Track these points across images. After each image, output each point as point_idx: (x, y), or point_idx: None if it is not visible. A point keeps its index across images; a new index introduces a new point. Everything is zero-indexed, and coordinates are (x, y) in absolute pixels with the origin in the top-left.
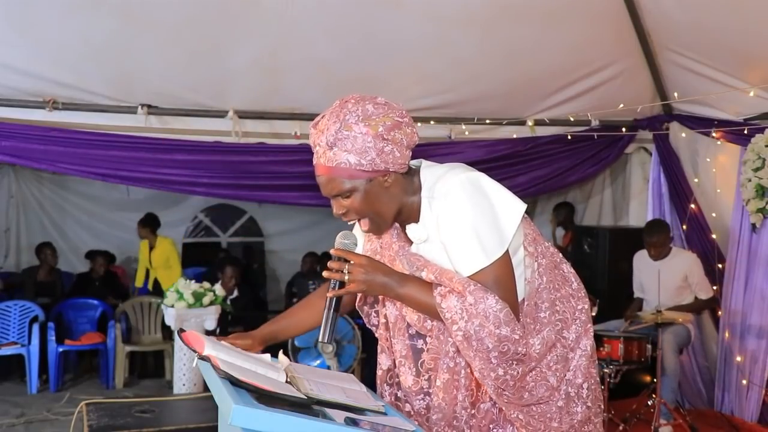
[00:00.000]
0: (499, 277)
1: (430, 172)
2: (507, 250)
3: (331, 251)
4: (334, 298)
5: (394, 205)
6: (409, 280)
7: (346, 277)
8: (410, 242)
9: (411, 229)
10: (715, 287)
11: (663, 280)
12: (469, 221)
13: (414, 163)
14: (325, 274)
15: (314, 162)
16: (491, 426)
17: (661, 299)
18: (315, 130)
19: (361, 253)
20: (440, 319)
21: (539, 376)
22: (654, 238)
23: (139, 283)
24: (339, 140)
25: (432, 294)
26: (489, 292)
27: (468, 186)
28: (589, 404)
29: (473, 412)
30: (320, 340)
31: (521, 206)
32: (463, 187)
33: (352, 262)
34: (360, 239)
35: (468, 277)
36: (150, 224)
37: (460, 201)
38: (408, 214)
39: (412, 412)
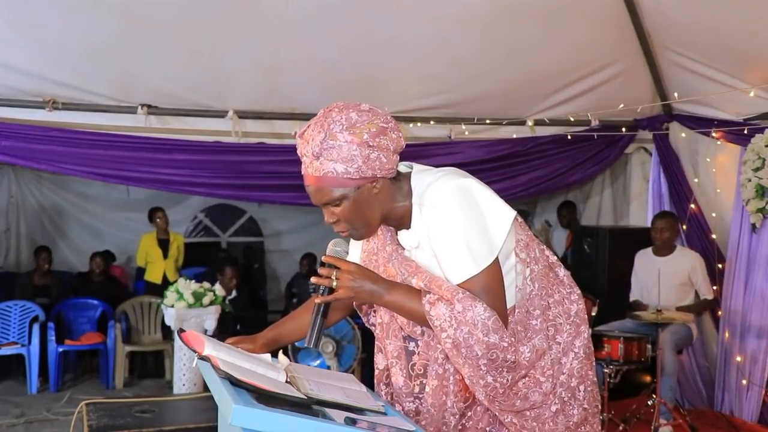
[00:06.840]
0: (488, 285)
1: (420, 177)
2: (497, 258)
3: (322, 258)
4: (323, 304)
5: (382, 211)
6: (398, 287)
7: (334, 284)
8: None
9: (403, 236)
10: (715, 287)
11: (664, 278)
12: (458, 230)
13: (405, 165)
14: (313, 280)
15: (302, 172)
16: (488, 428)
17: (662, 298)
18: (301, 140)
19: (351, 261)
20: (429, 326)
21: (532, 382)
22: (660, 222)
23: (158, 278)
24: (325, 150)
25: (421, 301)
26: (477, 300)
27: (458, 194)
28: (586, 406)
29: (470, 414)
30: (306, 344)
31: (511, 213)
32: (453, 194)
33: (341, 269)
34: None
35: (457, 284)
36: (166, 216)
37: (450, 209)
38: (399, 219)
39: (402, 413)
